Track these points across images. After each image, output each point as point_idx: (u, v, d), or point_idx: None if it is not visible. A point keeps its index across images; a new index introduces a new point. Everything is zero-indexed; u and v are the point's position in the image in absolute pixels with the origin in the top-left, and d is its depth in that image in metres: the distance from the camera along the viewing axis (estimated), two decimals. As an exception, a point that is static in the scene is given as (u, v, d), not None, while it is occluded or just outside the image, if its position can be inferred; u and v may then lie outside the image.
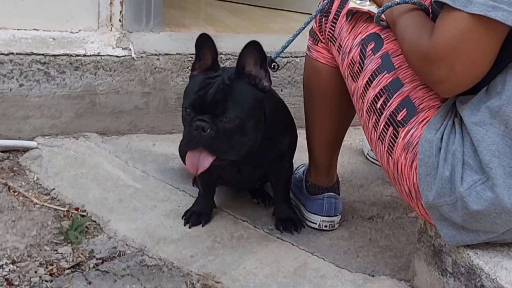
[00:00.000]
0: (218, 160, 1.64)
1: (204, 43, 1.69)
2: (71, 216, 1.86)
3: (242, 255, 1.75)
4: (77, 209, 1.90)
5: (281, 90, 2.52)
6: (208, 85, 1.64)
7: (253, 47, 1.63)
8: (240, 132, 1.63)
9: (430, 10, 1.50)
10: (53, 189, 2.00)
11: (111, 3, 2.45)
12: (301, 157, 2.03)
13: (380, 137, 1.51)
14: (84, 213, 1.89)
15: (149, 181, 2.09)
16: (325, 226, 1.90)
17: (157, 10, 2.61)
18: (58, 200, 1.96)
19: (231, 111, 1.61)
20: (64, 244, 1.75)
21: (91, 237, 1.79)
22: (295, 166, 2.00)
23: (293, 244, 1.82)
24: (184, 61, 2.39)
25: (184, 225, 1.87)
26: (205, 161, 1.62)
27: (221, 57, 2.39)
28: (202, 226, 1.87)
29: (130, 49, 2.36)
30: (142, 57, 2.35)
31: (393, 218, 2.00)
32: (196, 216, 1.89)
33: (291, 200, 1.97)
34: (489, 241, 1.41)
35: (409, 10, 1.47)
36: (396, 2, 1.49)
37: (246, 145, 1.66)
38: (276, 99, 1.87)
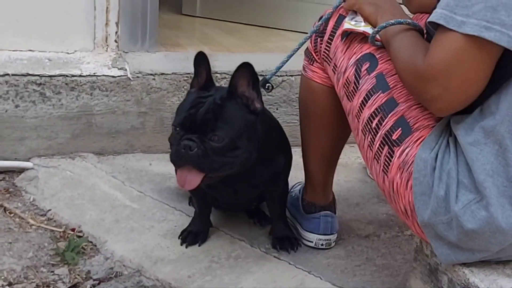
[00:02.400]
0: (208, 178, 1.65)
1: (200, 61, 1.71)
2: (67, 237, 1.86)
3: (240, 275, 1.75)
4: (73, 230, 1.90)
5: (277, 109, 2.53)
6: (199, 104, 1.65)
7: (246, 68, 1.65)
8: (229, 150, 1.64)
9: (425, 31, 1.52)
10: (50, 210, 2.00)
11: (106, 23, 2.46)
12: (297, 176, 2.04)
13: (376, 156, 1.52)
14: (81, 234, 1.89)
15: (145, 201, 2.10)
16: (322, 245, 1.91)
17: (152, 30, 2.62)
18: (55, 221, 1.96)
19: (220, 131, 1.62)
20: (60, 265, 1.75)
21: (88, 258, 1.79)
22: (291, 184, 2.01)
23: (290, 263, 1.82)
24: (180, 81, 2.40)
25: (181, 244, 1.87)
26: (194, 179, 1.63)
27: (216, 76, 2.39)
28: (199, 246, 1.87)
29: (126, 69, 2.37)
30: (138, 77, 2.36)
31: (389, 237, 2.00)
32: (193, 235, 1.89)
33: (288, 219, 1.97)
34: (484, 259, 1.42)
35: (403, 30, 1.49)
36: (390, 23, 1.50)
37: (236, 163, 1.67)
38: (270, 119, 1.88)
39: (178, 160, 1.65)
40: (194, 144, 1.61)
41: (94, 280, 1.70)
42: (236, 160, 1.66)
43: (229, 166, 1.66)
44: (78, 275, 1.72)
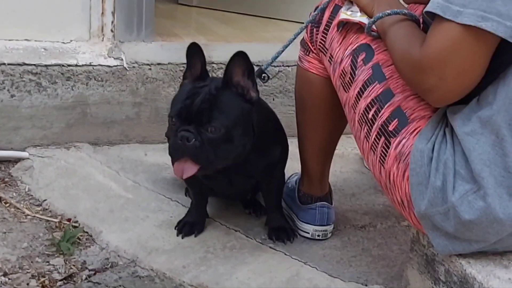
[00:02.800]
0: (203, 169, 1.64)
1: (194, 52, 1.70)
2: (63, 227, 1.86)
3: (235, 265, 1.75)
4: (69, 220, 1.89)
5: (273, 99, 2.53)
6: (194, 95, 1.65)
7: (240, 57, 1.64)
8: (226, 141, 1.64)
9: (421, 21, 1.51)
10: (45, 200, 2.00)
11: (102, 13, 2.45)
12: (293, 166, 2.03)
13: (372, 147, 1.51)
14: (76, 224, 1.89)
15: (140, 191, 2.09)
16: (318, 236, 1.90)
17: (148, 20, 2.61)
18: (50, 211, 1.96)
19: (217, 121, 1.62)
20: (56, 255, 1.74)
21: (83, 248, 1.78)
22: (287, 175, 2.01)
23: (285, 254, 1.82)
24: (176, 71, 2.39)
25: (177, 235, 1.86)
26: (191, 167, 1.63)
27: (213, 66, 2.39)
28: (195, 236, 1.87)
29: (122, 59, 2.36)
30: (134, 67, 2.35)
31: (385, 227, 2.00)
32: (189, 226, 1.88)
33: (284, 210, 1.97)
34: (481, 250, 1.41)
35: (400, 20, 1.48)
36: (386, 13, 1.49)
37: (232, 154, 1.67)
38: (266, 109, 1.87)
39: (176, 152, 1.64)
40: (192, 135, 1.61)
41: (89, 270, 1.70)
42: (232, 151, 1.66)
43: (224, 157, 1.66)
44: (74, 265, 1.71)
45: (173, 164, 1.67)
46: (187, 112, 1.63)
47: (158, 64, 2.39)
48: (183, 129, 1.62)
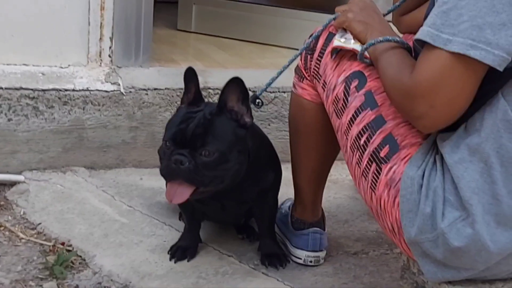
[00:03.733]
0: (197, 192, 1.66)
1: (189, 76, 1.72)
2: (56, 251, 1.86)
3: (227, 291, 1.76)
4: (63, 244, 1.90)
5: (268, 125, 2.54)
6: (189, 119, 1.67)
7: (235, 83, 1.66)
8: (219, 165, 1.65)
9: (413, 49, 1.53)
10: (40, 223, 2.00)
11: (100, 38, 2.47)
12: (287, 192, 2.04)
13: (364, 173, 1.52)
14: (70, 248, 1.89)
15: (135, 215, 2.10)
16: (310, 262, 1.91)
17: (146, 46, 2.63)
18: (44, 234, 1.96)
19: (211, 145, 1.63)
20: (49, 279, 1.75)
21: (76, 272, 1.79)
22: (281, 200, 2.01)
23: (278, 280, 1.82)
24: (172, 96, 2.41)
25: (170, 260, 1.87)
26: (184, 193, 1.65)
27: (209, 92, 2.41)
28: (188, 261, 1.87)
29: (119, 84, 2.38)
30: (130, 92, 2.37)
31: (377, 254, 2.01)
32: (182, 251, 1.89)
33: (277, 235, 1.98)
34: (470, 277, 1.42)
35: (392, 48, 1.50)
36: (379, 40, 1.51)
37: (227, 176, 1.68)
38: (260, 135, 1.89)
39: (168, 175, 1.66)
40: (185, 159, 1.62)
41: (82, 294, 1.70)
42: (226, 174, 1.67)
43: (220, 180, 1.67)
44: (66, 289, 1.72)
45: (166, 188, 1.68)
46: (182, 136, 1.65)
47: (155, 89, 2.41)
48: (177, 153, 1.64)
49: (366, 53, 1.58)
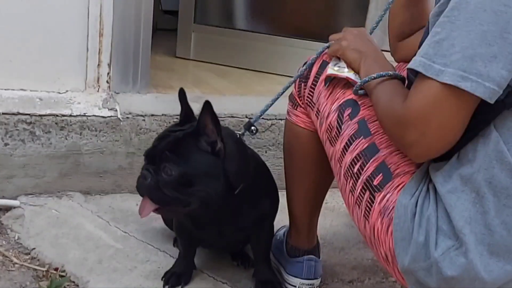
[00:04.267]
0: (161, 210, 1.69)
1: (180, 97, 1.75)
2: (50, 276, 1.86)
3: (220, 318, 1.75)
4: (56, 269, 1.89)
5: (265, 152, 2.55)
6: (166, 137, 1.69)
7: (206, 107, 1.64)
8: (181, 185, 1.64)
9: (407, 77, 1.54)
10: (34, 248, 2.00)
11: (99, 64, 2.48)
12: (283, 219, 2.04)
13: (357, 202, 1.52)
14: (64, 274, 1.88)
15: (130, 241, 2.09)
16: (305, 289, 1.90)
17: (144, 72, 2.64)
18: (38, 260, 1.95)
19: (171, 164, 1.64)
20: (41, 304, 1.74)
21: (69, 298, 1.78)
22: (276, 227, 2.01)
23: (272, 307, 1.82)
24: (169, 122, 2.42)
25: (164, 286, 1.86)
26: (146, 208, 1.67)
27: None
28: (182, 288, 1.87)
29: (116, 110, 2.39)
30: (128, 117, 2.38)
31: (373, 283, 2.00)
32: (176, 277, 1.88)
33: (272, 262, 1.97)
34: (464, 307, 1.41)
35: (386, 78, 1.51)
36: (372, 77, 1.51)
37: (194, 201, 1.66)
38: (257, 162, 1.89)
39: (137, 189, 1.70)
40: (148, 174, 1.65)
41: (74, 320, 1.69)
42: (192, 197, 1.65)
43: (184, 203, 1.66)
44: (59, 315, 1.71)
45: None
46: (152, 153, 1.69)
47: (152, 115, 2.41)
48: (145, 168, 1.67)
49: (358, 81, 1.59)
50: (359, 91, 1.58)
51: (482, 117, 1.32)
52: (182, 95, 1.74)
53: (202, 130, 1.67)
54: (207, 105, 1.64)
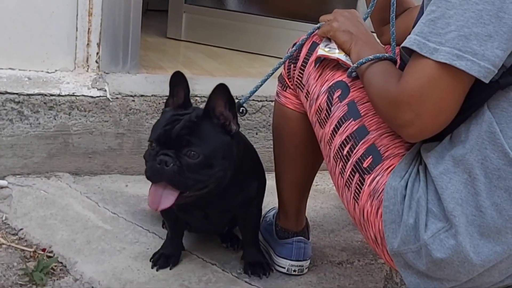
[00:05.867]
0: (182, 197, 1.64)
1: (178, 81, 1.72)
2: (37, 257, 1.84)
3: (209, 299, 1.75)
4: (44, 250, 1.88)
5: (256, 134, 2.54)
6: (175, 121, 1.66)
7: (222, 90, 1.65)
8: (204, 167, 1.64)
9: (399, 58, 1.53)
10: (21, 229, 1.98)
11: (88, 44, 2.47)
12: (272, 201, 2.04)
13: (347, 184, 1.52)
14: (51, 254, 1.87)
15: (119, 222, 2.08)
16: (294, 271, 1.90)
17: (134, 52, 2.62)
18: (26, 240, 1.94)
19: (195, 147, 1.62)
20: (28, 285, 1.73)
21: (57, 279, 1.77)
22: (266, 209, 2.00)
23: (261, 289, 1.82)
24: (159, 103, 2.40)
25: (152, 267, 1.85)
26: (168, 198, 1.63)
27: (196, 99, 2.40)
28: (170, 269, 1.86)
29: (105, 90, 2.37)
30: (117, 98, 2.36)
31: (362, 264, 2.00)
32: (164, 258, 1.87)
33: (261, 244, 1.97)
34: (453, 289, 1.41)
35: (378, 59, 1.50)
36: (369, 58, 1.50)
37: (210, 182, 1.66)
38: (245, 144, 1.88)
39: (153, 176, 1.64)
40: (170, 159, 1.61)
41: (62, 301, 1.69)
42: (210, 179, 1.66)
43: (203, 184, 1.66)
44: (46, 295, 1.70)
45: (149, 193, 1.66)
46: (167, 137, 1.64)
47: (142, 95, 2.40)
48: (162, 153, 1.62)
49: (349, 63, 1.58)
50: (353, 74, 1.57)
51: (475, 97, 1.31)
52: (180, 78, 1.71)
53: (216, 112, 1.67)
54: (222, 87, 1.64)
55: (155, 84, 2.50)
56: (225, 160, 1.68)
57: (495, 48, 1.24)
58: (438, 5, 1.28)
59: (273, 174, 1.93)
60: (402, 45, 1.34)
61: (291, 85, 1.77)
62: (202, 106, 2.35)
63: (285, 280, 1.87)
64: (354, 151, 1.50)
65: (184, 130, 1.64)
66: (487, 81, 1.26)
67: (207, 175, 1.65)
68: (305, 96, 1.69)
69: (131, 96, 2.39)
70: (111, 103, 2.35)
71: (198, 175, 1.64)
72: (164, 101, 2.35)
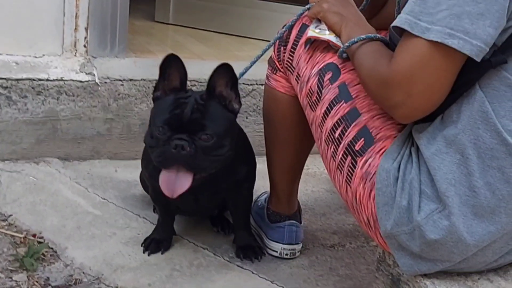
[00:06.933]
0: (195, 179, 1.64)
1: (172, 63, 1.70)
2: (27, 242, 1.83)
3: (201, 283, 1.74)
4: (34, 235, 1.87)
5: (246, 118, 2.53)
6: (182, 105, 1.65)
7: (225, 69, 1.66)
8: (216, 149, 1.65)
9: (389, 37, 1.52)
10: (11, 215, 1.97)
11: (75, 29, 2.44)
12: (264, 185, 2.03)
13: (339, 167, 1.51)
14: (41, 240, 1.86)
15: (109, 208, 2.07)
16: (286, 254, 1.90)
17: (122, 36, 2.60)
18: (15, 226, 1.93)
19: (209, 129, 1.63)
20: (19, 271, 1.72)
21: (47, 265, 1.76)
22: (258, 193, 2.00)
23: (253, 272, 1.81)
24: (148, 87, 2.38)
25: (143, 252, 1.85)
26: (184, 183, 1.63)
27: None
28: (162, 254, 1.85)
29: (94, 74, 2.35)
30: (106, 82, 2.34)
31: (354, 247, 2.00)
32: (156, 243, 1.87)
33: (253, 228, 1.96)
34: (447, 270, 1.41)
35: (368, 39, 1.49)
36: (361, 38, 1.48)
37: (220, 162, 1.68)
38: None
39: (167, 160, 1.63)
40: (186, 143, 1.61)
41: (52, 287, 1.67)
42: (220, 159, 1.67)
43: (215, 165, 1.67)
44: (37, 281, 1.68)
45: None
46: (178, 121, 1.64)
47: (131, 80, 2.38)
48: (177, 138, 1.61)
49: (338, 43, 1.56)
50: (344, 55, 1.56)
51: (467, 77, 1.30)
52: (176, 61, 1.70)
53: (217, 92, 1.68)
54: (226, 65, 1.66)
55: (144, 68, 2.48)
56: (232, 140, 1.70)
57: (487, 26, 1.23)
58: None
59: (264, 158, 1.92)
60: (393, 24, 1.33)
61: (281, 68, 1.75)
62: (193, 89, 2.37)
63: (277, 263, 1.87)
64: (346, 134, 1.49)
65: (195, 114, 1.64)
66: (478, 60, 1.25)
67: (219, 155, 1.66)
68: (295, 79, 1.68)
69: (120, 80, 2.37)
70: (99, 88, 2.33)
71: (212, 157, 1.65)
72: (154, 85, 2.34)
